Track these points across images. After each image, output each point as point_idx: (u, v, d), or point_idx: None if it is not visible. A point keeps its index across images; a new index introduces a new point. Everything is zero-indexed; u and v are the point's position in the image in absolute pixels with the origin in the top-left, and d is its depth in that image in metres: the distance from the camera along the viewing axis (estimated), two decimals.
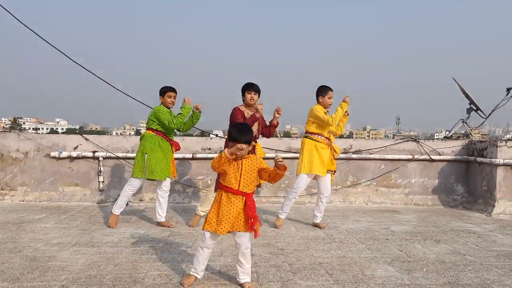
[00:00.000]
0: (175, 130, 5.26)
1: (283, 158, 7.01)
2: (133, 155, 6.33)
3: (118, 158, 6.86)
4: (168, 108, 5.20)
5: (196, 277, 3.22)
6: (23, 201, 6.71)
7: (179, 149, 5.34)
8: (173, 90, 5.21)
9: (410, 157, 7.24)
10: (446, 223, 5.70)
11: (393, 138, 18.60)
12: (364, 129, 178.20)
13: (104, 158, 6.86)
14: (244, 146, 3.08)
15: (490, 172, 6.61)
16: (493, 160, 6.45)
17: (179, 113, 5.10)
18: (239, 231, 3.11)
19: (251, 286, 3.15)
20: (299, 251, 4.19)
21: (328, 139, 5.20)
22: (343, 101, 5.20)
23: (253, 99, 5.11)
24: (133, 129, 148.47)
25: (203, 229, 3.18)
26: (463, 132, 8.75)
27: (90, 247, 4.17)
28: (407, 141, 7.53)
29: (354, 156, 7.22)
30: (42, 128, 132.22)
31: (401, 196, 7.21)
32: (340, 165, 7.20)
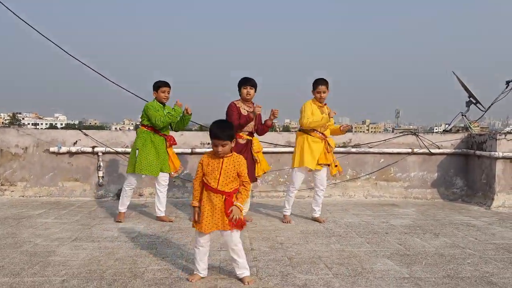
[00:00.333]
0: (170, 125, 5.27)
1: (283, 152, 7.06)
2: None
3: (117, 153, 6.86)
4: (162, 103, 5.17)
5: (201, 276, 3.23)
6: (22, 196, 6.72)
7: (174, 143, 5.29)
8: (166, 84, 5.15)
9: (410, 150, 7.24)
10: (445, 216, 5.71)
11: (393, 131, 18.60)
12: (364, 122, 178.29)
13: (103, 153, 6.85)
14: (221, 142, 3.06)
15: (489, 165, 6.61)
16: (492, 153, 6.45)
17: (169, 113, 5.09)
18: (224, 230, 3.13)
19: (250, 280, 3.16)
20: (299, 245, 4.20)
21: (322, 133, 5.14)
22: (328, 114, 5.04)
23: (249, 94, 5.09)
24: (132, 124, 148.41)
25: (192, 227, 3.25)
26: (462, 125, 8.74)
27: (90, 242, 4.18)
28: (407, 134, 7.52)
29: (353, 150, 7.22)
30: (41, 124, 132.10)
31: (401, 190, 7.22)
32: (339, 159, 7.18)
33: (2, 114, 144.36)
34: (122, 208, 5.16)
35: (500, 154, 6.37)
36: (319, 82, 5.12)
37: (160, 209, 5.20)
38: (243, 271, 3.19)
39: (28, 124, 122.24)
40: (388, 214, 5.81)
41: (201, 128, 8.79)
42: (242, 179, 3.16)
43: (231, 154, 3.17)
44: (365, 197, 7.10)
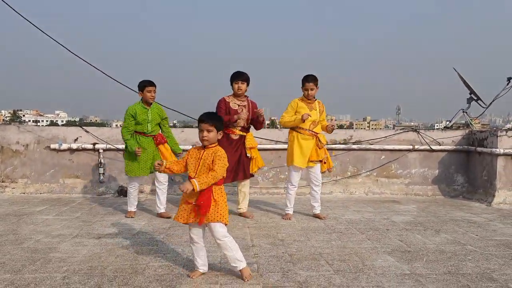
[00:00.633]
0: (160, 124, 5.26)
1: (283, 149, 7.06)
2: None
3: (118, 150, 6.86)
4: (149, 102, 5.11)
5: (201, 272, 3.23)
6: (23, 193, 6.73)
7: (164, 141, 5.23)
8: (152, 84, 5.09)
9: (410, 147, 7.23)
10: (446, 213, 5.71)
11: (393, 128, 18.57)
12: (364, 119, 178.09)
13: (104, 150, 6.86)
14: (207, 126, 3.05)
15: (490, 162, 6.60)
16: (494, 150, 6.44)
17: (127, 139, 5.02)
18: (209, 222, 3.08)
19: (249, 275, 3.13)
20: (300, 241, 4.20)
21: (312, 130, 5.09)
22: (302, 116, 4.91)
23: (241, 89, 5.08)
24: None
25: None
26: (463, 122, 8.74)
27: (91, 239, 4.18)
28: (408, 131, 7.51)
29: (354, 146, 7.21)
30: (42, 121, 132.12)
31: (401, 187, 7.22)
32: (340, 156, 7.20)
33: (3, 111, 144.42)
34: (130, 208, 5.23)
35: (501, 151, 6.36)
36: (307, 79, 5.08)
37: (160, 206, 5.22)
38: (237, 264, 3.14)
39: (29, 121, 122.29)
40: (389, 210, 5.80)
41: None
42: (212, 167, 3.04)
43: (214, 145, 3.15)
44: (366, 193, 7.10)
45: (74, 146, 6.83)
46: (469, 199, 6.83)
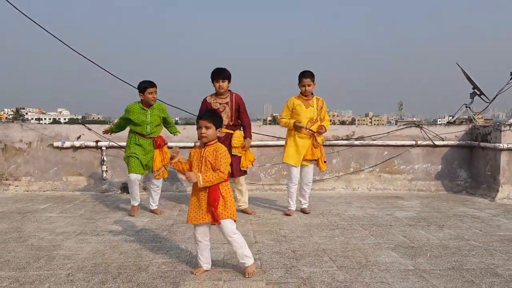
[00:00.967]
0: (158, 125, 5.13)
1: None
2: None
3: (120, 147, 6.86)
4: (150, 104, 5.01)
5: (204, 269, 3.23)
6: (27, 191, 6.75)
7: (163, 143, 5.12)
8: (153, 85, 4.98)
9: (413, 143, 7.21)
10: (449, 208, 5.70)
11: (396, 124, 18.53)
12: (367, 115, 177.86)
13: (107, 148, 6.87)
14: (205, 123, 3.06)
15: (493, 157, 6.58)
16: (497, 144, 6.42)
17: (113, 126, 5.34)
18: (211, 222, 3.12)
19: (252, 272, 3.14)
20: (302, 238, 4.20)
21: (309, 128, 5.04)
22: (294, 124, 4.97)
23: (222, 87, 4.99)
24: None
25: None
26: (466, 117, 8.70)
27: (94, 236, 4.20)
28: (410, 127, 7.49)
29: (357, 142, 7.20)
30: (45, 119, 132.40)
31: (404, 182, 7.21)
32: (343, 152, 7.19)
33: (5, 109, 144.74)
34: (133, 202, 5.15)
35: (505, 146, 6.34)
36: (304, 75, 5.01)
37: (152, 203, 5.26)
38: (245, 260, 3.16)
39: (32, 119, 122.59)
40: (392, 206, 5.79)
41: None
42: (217, 167, 3.04)
43: (214, 141, 3.15)
44: (369, 189, 7.09)
45: (77, 143, 6.84)
46: (473, 194, 6.81)
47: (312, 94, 5.13)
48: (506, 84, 7.95)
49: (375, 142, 7.21)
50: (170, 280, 3.08)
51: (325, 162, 5.22)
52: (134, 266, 3.35)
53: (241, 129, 5.19)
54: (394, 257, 3.62)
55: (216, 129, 3.12)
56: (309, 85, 5.01)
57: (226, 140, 5.00)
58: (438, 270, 3.32)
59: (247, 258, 3.16)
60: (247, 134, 5.17)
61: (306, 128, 5.03)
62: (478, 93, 8.23)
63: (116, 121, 5.22)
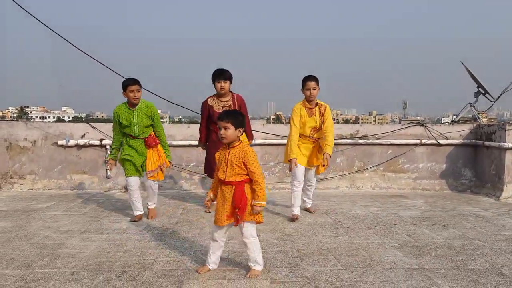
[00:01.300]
0: (149, 124, 4.77)
1: None
2: None
3: None
4: (134, 104, 4.66)
5: (210, 268, 3.24)
6: (32, 189, 6.78)
7: (154, 143, 4.81)
8: (135, 82, 4.63)
9: (418, 141, 7.19)
10: (454, 207, 5.68)
11: (400, 122, 18.44)
12: (370, 114, 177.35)
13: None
14: (223, 124, 3.07)
15: (498, 156, 6.55)
16: (502, 144, 6.39)
17: (113, 148, 4.85)
18: (235, 222, 3.14)
19: (254, 275, 3.12)
20: (307, 237, 4.19)
21: (312, 136, 4.97)
22: (289, 160, 4.80)
23: (223, 88, 4.90)
24: None
25: None
26: (470, 116, 8.66)
27: (99, 234, 4.21)
28: (414, 125, 7.46)
29: (361, 141, 7.18)
30: (49, 117, 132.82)
31: (409, 181, 7.19)
32: (347, 151, 7.18)
33: (10, 108, 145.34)
34: (137, 211, 4.80)
35: (510, 145, 6.31)
36: (308, 78, 4.88)
37: (148, 202, 4.95)
38: (255, 265, 3.17)
39: (36, 117, 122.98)
40: (396, 205, 5.78)
41: None
42: (250, 174, 3.10)
43: (238, 143, 3.15)
44: (373, 188, 7.08)
45: (81, 142, 6.86)
46: (477, 194, 6.78)
47: (315, 99, 4.95)
48: (511, 83, 7.91)
49: (379, 141, 7.19)
50: (174, 278, 3.08)
51: (324, 165, 4.96)
52: (139, 265, 3.35)
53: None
54: (399, 256, 3.61)
55: (236, 129, 3.10)
56: (313, 89, 4.85)
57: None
58: (442, 269, 3.31)
59: (257, 264, 3.17)
60: (249, 137, 5.19)
61: (311, 137, 4.98)
62: (483, 92, 8.20)
63: (113, 136, 4.85)
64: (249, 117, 5.30)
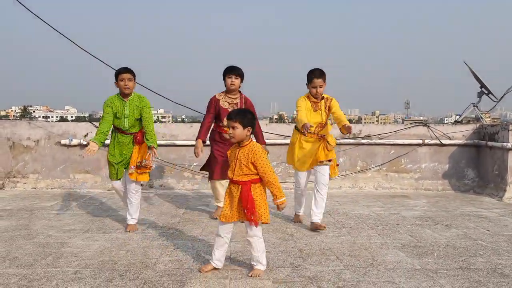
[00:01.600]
0: (141, 120, 4.39)
1: None
2: None
3: None
4: (125, 94, 4.32)
5: (213, 266, 3.23)
6: (35, 188, 6.79)
7: (141, 141, 4.40)
8: (126, 70, 4.30)
9: (420, 142, 7.18)
10: (456, 208, 5.67)
11: (402, 122, 18.45)
12: (373, 114, 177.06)
13: None
14: (232, 123, 3.08)
15: (501, 156, 6.54)
16: (505, 144, 6.37)
17: (100, 132, 4.33)
18: (242, 220, 3.17)
19: (256, 274, 3.12)
20: (309, 236, 4.19)
21: (317, 133, 4.49)
22: (304, 125, 4.07)
23: (234, 84, 4.70)
24: None
25: None
26: (473, 116, 8.64)
27: (102, 234, 4.22)
28: (417, 125, 7.45)
29: (364, 141, 7.17)
30: (52, 116, 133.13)
31: (411, 181, 7.18)
32: (350, 151, 7.17)
33: (13, 107, 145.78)
34: (130, 221, 4.41)
35: None
36: (315, 74, 4.36)
37: (128, 217, 4.42)
38: (257, 265, 3.17)
39: (39, 117, 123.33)
40: (399, 205, 5.77)
41: None
42: (261, 174, 3.09)
43: (248, 143, 3.16)
44: (376, 188, 7.07)
45: (84, 141, 6.87)
46: (480, 194, 6.77)
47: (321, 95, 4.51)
48: None
49: (382, 141, 7.19)
50: (176, 278, 3.09)
51: (337, 165, 4.73)
52: (141, 264, 3.36)
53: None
54: (401, 256, 3.61)
55: (244, 128, 3.09)
56: (320, 86, 4.39)
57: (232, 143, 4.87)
58: (445, 269, 3.30)
59: (260, 264, 3.17)
60: (260, 141, 4.85)
61: (313, 132, 4.43)
62: (486, 92, 8.18)
63: (100, 123, 4.40)
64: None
